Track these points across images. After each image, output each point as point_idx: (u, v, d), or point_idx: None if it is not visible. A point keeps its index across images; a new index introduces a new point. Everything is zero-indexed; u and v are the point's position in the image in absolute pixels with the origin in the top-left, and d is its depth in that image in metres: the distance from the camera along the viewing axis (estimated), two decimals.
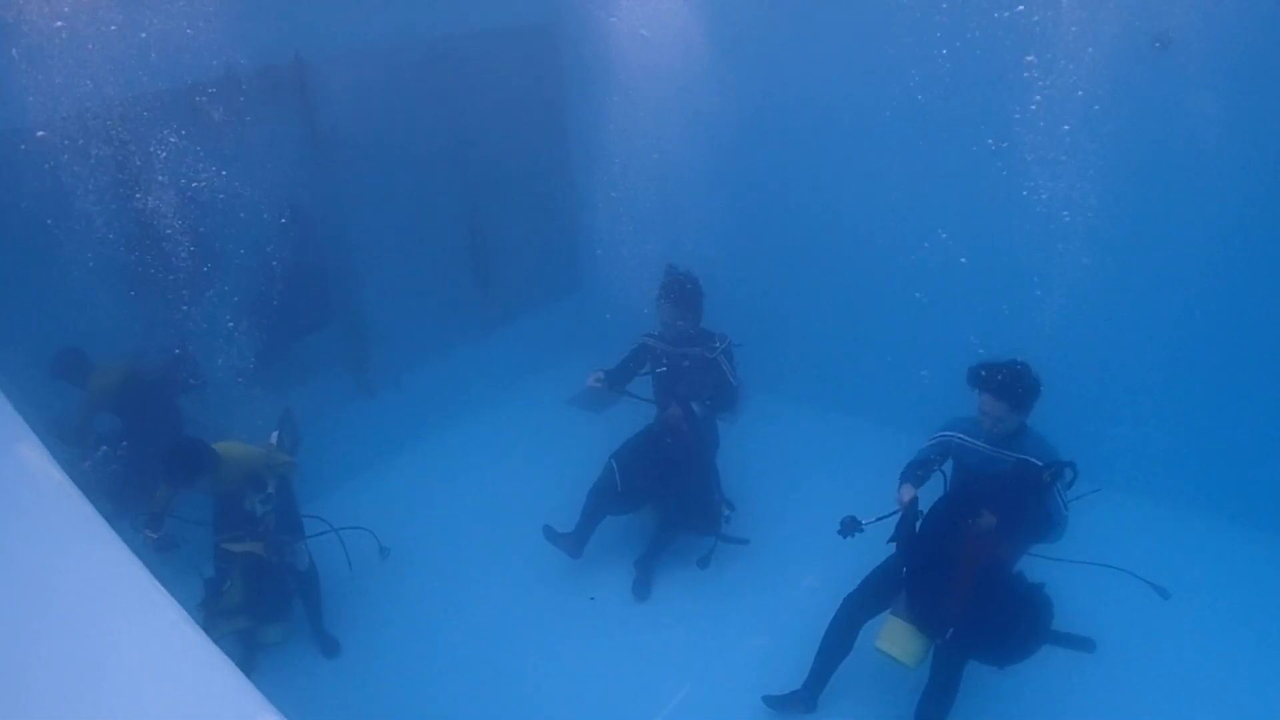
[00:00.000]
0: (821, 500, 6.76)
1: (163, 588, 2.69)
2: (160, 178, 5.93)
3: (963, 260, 6.47)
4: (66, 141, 5.52)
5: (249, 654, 5.58)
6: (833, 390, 7.82)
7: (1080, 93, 5.52)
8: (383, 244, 7.32)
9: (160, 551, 5.27)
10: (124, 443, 5.94)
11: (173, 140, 5.92)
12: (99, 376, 5.95)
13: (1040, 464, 4.20)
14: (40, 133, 5.40)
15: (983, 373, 4.28)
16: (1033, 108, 5.69)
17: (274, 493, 5.49)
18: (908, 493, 4.46)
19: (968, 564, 4.29)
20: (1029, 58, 5.62)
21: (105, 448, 5.90)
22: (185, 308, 6.22)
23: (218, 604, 5.37)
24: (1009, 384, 4.22)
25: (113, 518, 3.12)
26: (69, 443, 5.77)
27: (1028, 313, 6.23)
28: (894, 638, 4.45)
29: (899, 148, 6.61)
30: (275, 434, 5.81)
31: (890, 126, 6.61)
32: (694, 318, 5.96)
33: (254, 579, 5.47)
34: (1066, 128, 5.63)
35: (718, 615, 5.81)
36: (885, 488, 6.56)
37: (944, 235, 6.55)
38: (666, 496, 6.00)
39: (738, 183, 7.47)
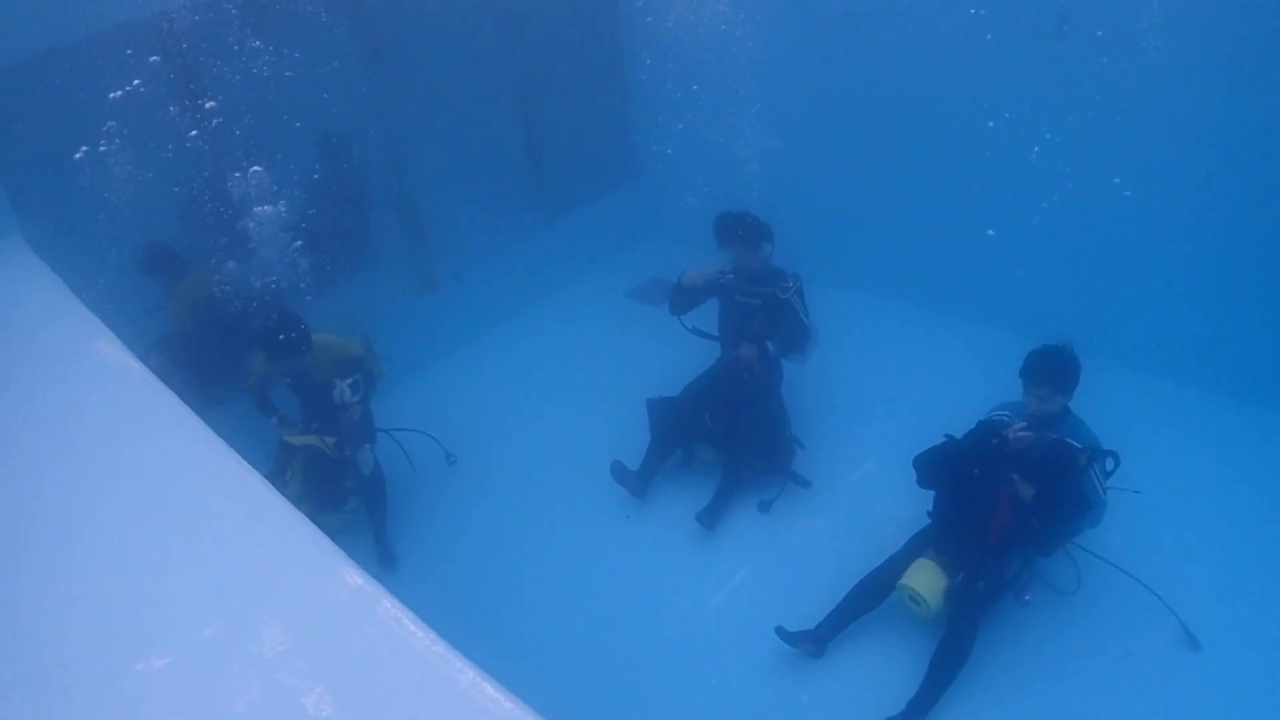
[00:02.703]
0: (881, 388, 6.81)
1: (246, 463, 2.83)
2: (206, 86, 5.95)
3: (1035, 150, 6.31)
4: (115, 52, 5.54)
5: None
6: (893, 278, 7.69)
7: None
8: (438, 139, 7.31)
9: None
10: (178, 341, 6.11)
11: (224, 45, 5.92)
12: (193, 280, 6.11)
13: (1078, 446, 4.42)
14: (96, 47, 5.44)
15: (1030, 363, 4.50)
16: None
17: (361, 382, 5.64)
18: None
19: (999, 523, 4.65)
20: None
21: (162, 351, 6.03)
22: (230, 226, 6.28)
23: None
24: (1053, 369, 4.44)
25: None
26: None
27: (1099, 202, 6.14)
28: (916, 574, 4.76)
29: (974, 30, 6.37)
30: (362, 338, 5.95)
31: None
32: (767, 255, 5.84)
33: (313, 471, 5.64)
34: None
35: (776, 499, 5.87)
36: (941, 376, 6.68)
37: (1011, 117, 6.36)
38: (734, 436, 5.91)
39: (803, 66, 7.25)
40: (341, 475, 5.77)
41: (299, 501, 5.57)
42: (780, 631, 4.83)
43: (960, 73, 6.48)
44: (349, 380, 5.55)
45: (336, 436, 5.64)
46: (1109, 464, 4.47)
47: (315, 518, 5.54)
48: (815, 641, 4.82)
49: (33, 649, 2.33)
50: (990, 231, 6.66)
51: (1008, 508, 4.63)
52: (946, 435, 4.78)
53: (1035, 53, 6.02)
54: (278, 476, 5.61)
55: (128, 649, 2.27)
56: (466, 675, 1.96)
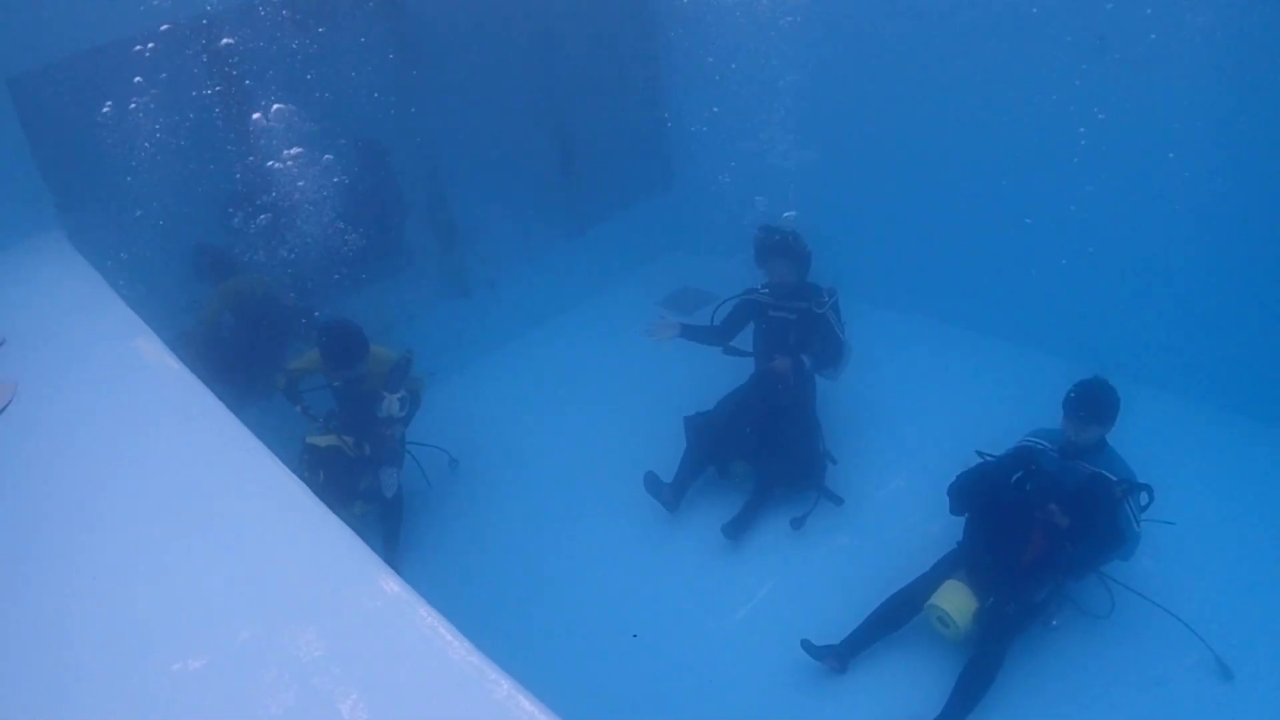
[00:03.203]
0: (913, 405, 6.75)
1: (285, 467, 2.86)
2: (247, 89, 6.00)
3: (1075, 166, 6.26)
4: (158, 52, 5.62)
5: None
6: (928, 296, 7.62)
7: None
8: (473, 145, 7.35)
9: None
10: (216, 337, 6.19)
11: (265, 49, 5.98)
12: (240, 281, 6.24)
13: (1114, 479, 4.45)
14: (138, 46, 5.52)
15: (1072, 395, 4.53)
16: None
17: (409, 397, 5.68)
18: None
19: (1032, 548, 4.65)
20: None
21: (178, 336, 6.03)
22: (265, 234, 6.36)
23: None
24: (1095, 403, 4.49)
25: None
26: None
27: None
28: (946, 595, 4.74)
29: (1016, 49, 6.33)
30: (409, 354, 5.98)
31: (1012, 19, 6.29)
32: (804, 270, 5.85)
33: (331, 467, 5.62)
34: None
35: (809, 515, 5.80)
36: (973, 395, 6.65)
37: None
38: (768, 450, 5.88)
39: (839, 79, 7.18)
40: (357, 476, 5.75)
41: None
42: (805, 645, 4.80)
43: (999, 92, 6.44)
44: (399, 394, 5.60)
45: (356, 436, 5.67)
46: (1144, 498, 4.47)
47: None
48: (839, 657, 4.80)
49: (71, 646, 2.36)
50: (1027, 220, 6.58)
51: (1042, 534, 4.61)
52: (979, 453, 4.78)
53: (1076, 72, 5.97)
54: (311, 482, 5.60)
55: (165, 649, 2.29)
56: (502, 687, 1.96)
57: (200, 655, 2.26)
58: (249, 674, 2.18)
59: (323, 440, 5.65)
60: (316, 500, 2.68)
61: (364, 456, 5.69)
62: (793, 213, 5.82)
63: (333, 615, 2.29)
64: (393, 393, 5.60)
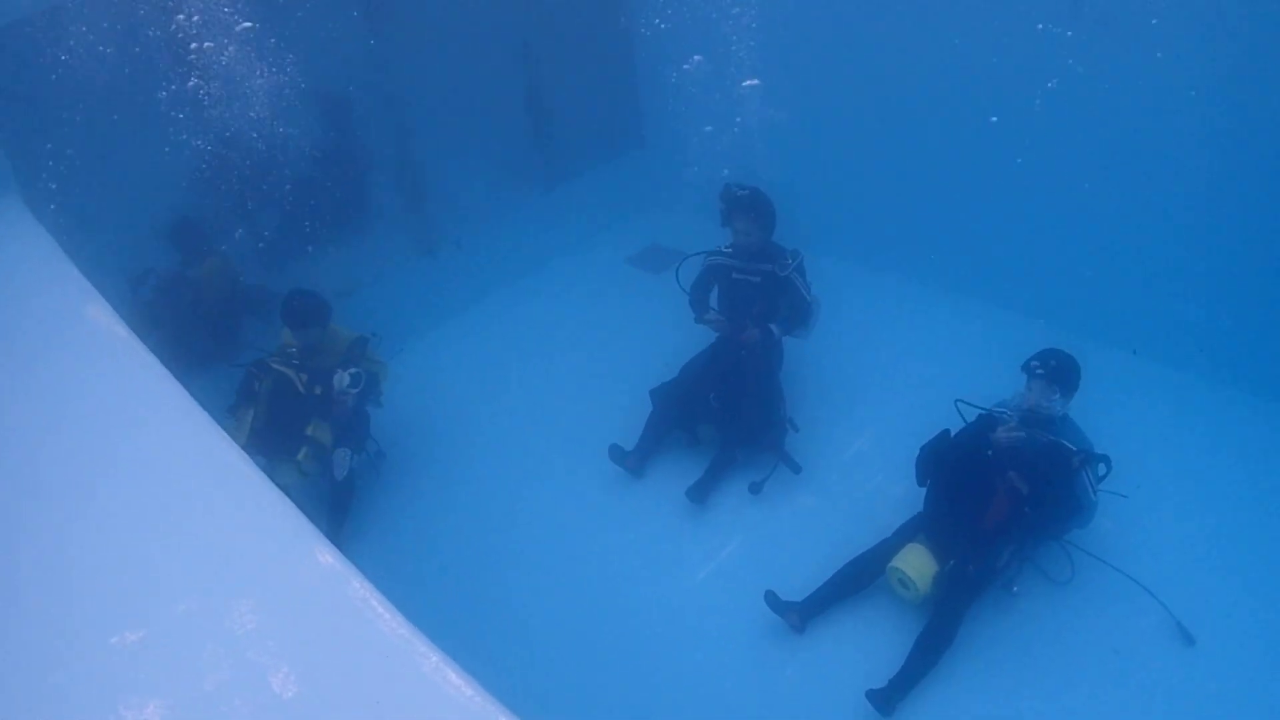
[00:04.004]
0: (876, 365, 6.76)
1: (227, 436, 2.85)
2: (205, 45, 5.90)
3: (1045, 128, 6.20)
4: (114, 11, 5.51)
5: None
6: (893, 253, 7.60)
7: None
8: (440, 101, 7.25)
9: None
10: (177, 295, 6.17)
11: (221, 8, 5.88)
12: (220, 263, 6.29)
13: (1073, 449, 4.50)
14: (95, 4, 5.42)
15: (1035, 362, 4.61)
16: None
17: (362, 376, 5.66)
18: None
19: (993, 512, 4.71)
20: None
21: (155, 283, 6.09)
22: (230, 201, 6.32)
23: (241, 422, 5.56)
24: (1058, 370, 4.56)
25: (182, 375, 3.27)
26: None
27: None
28: (907, 556, 4.80)
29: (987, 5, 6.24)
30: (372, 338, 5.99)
31: None
32: (768, 230, 5.80)
33: (276, 404, 5.63)
34: None
35: (768, 480, 5.81)
36: (937, 354, 6.66)
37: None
38: (729, 415, 5.89)
39: (810, 36, 7.12)
40: (303, 418, 5.71)
41: (253, 438, 5.53)
42: (769, 597, 4.87)
43: (971, 48, 6.37)
44: (351, 370, 5.59)
45: (311, 376, 5.67)
46: (1101, 469, 4.52)
47: (270, 469, 5.56)
48: (800, 615, 4.87)
49: (8, 618, 2.35)
50: (993, 119, 6.48)
51: (1003, 499, 4.66)
52: (958, 403, 4.84)
53: (1049, 33, 5.90)
54: (245, 391, 5.63)
55: (104, 621, 2.29)
56: (430, 660, 1.97)
57: (138, 628, 2.26)
58: (185, 647, 2.18)
59: (276, 363, 5.68)
60: (256, 469, 2.67)
61: (314, 396, 5.68)
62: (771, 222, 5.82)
63: (268, 587, 2.29)
64: (347, 369, 5.60)
